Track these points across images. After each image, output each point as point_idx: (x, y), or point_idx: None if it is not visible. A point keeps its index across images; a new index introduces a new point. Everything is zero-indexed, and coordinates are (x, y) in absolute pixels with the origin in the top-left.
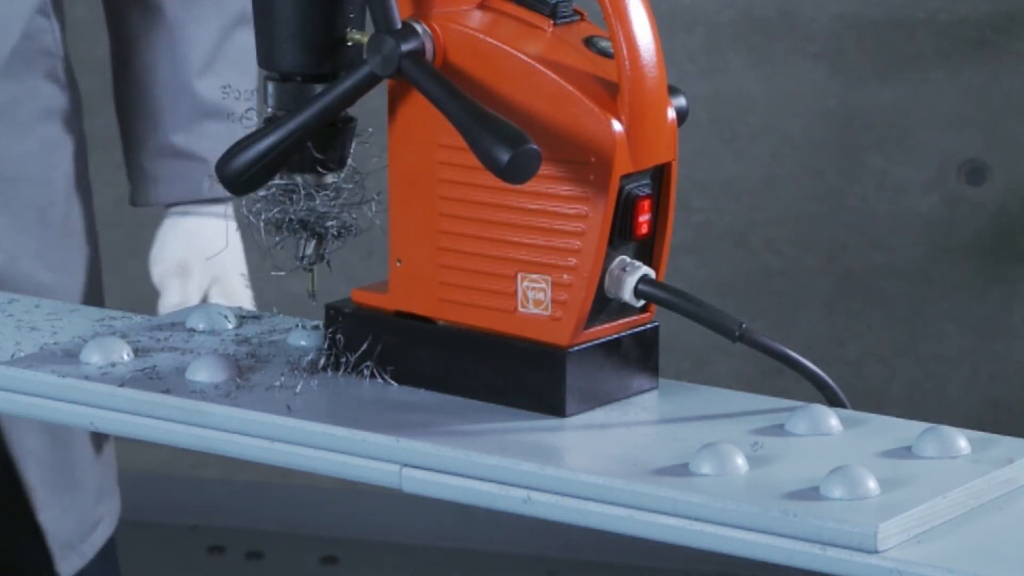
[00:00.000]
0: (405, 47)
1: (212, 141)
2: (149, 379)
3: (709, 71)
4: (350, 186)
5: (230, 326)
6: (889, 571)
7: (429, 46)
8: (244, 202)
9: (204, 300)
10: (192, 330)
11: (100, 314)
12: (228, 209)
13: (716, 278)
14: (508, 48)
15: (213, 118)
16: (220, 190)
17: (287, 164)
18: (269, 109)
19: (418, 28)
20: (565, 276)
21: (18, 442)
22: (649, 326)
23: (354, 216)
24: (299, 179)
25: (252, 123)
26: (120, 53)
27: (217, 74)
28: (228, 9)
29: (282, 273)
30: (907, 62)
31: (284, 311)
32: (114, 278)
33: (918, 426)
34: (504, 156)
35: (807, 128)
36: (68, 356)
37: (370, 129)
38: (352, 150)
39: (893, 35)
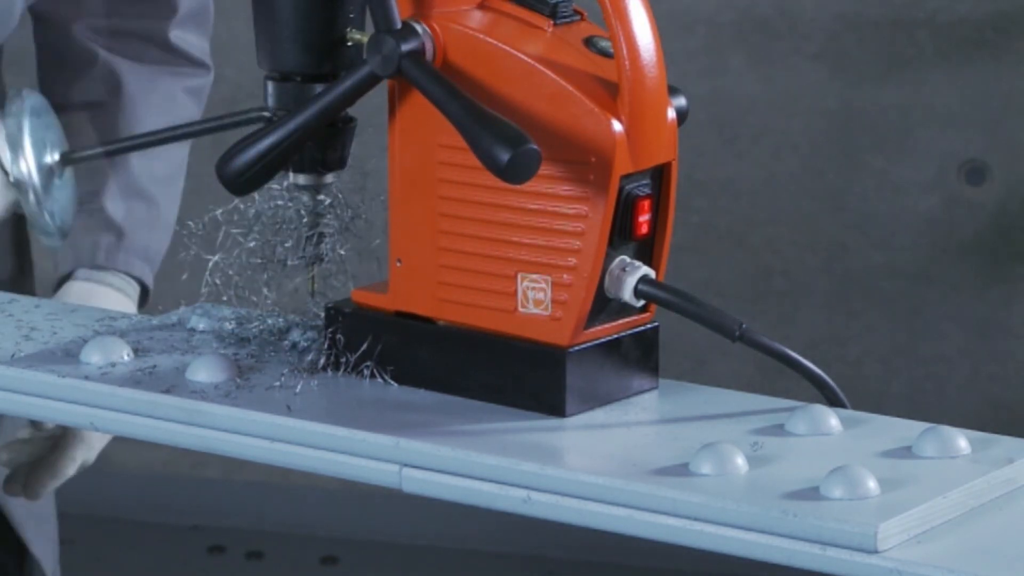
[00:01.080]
0: (405, 47)
1: (135, 219)
2: (149, 379)
3: (709, 71)
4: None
5: (230, 326)
6: (889, 571)
7: (429, 46)
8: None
9: None
10: (192, 330)
11: (100, 314)
12: (125, 281)
13: (716, 278)
14: (508, 48)
15: (139, 198)
16: (132, 266)
17: (287, 164)
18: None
19: (418, 28)
20: (565, 276)
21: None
22: (649, 326)
23: (354, 216)
24: (300, 179)
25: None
26: (61, 117)
27: (151, 164)
28: (178, 112)
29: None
30: (907, 62)
31: (284, 311)
32: None
33: (918, 426)
34: (504, 156)
35: (807, 128)
36: (68, 356)
37: (370, 128)
38: (352, 150)
39: (893, 35)
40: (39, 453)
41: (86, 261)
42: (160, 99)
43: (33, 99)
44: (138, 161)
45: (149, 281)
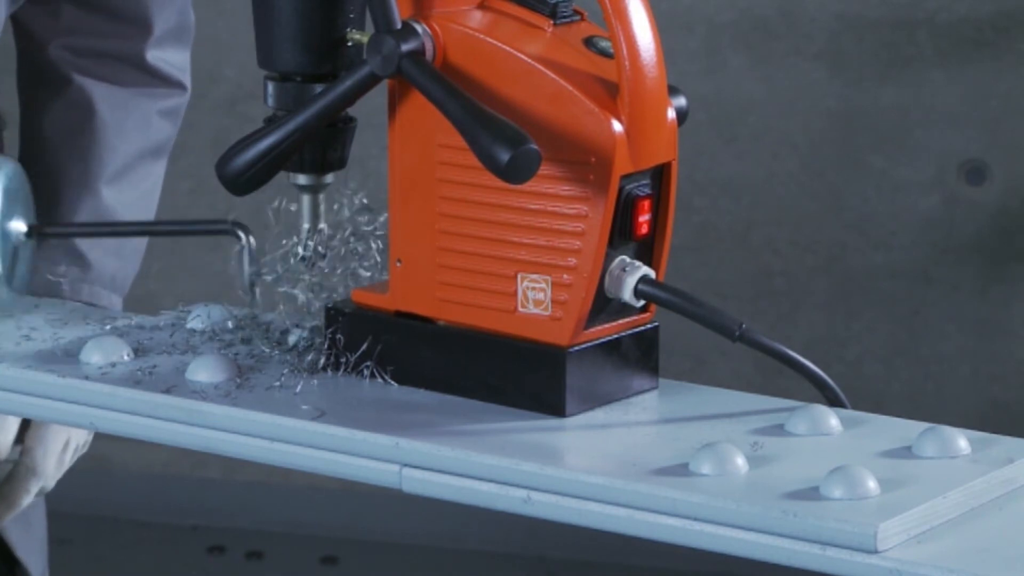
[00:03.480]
0: (405, 47)
1: (101, 249)
2: (149, 379)
3: (709, 71)
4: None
5: (230, 326)
6: (889, 571)
7: (429, 46)
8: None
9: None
10: (192, 330)
11: (100, 314)
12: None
13: (716, 278)
14: (508, 48)
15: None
16: (97, 297)
17: (287, 164)
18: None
19: (418, 28)
20: (565, 276)
21: None
22: (649, 326)
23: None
24: (300, 179)
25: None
26: (34, 140)
27: (121, 190)
28: (151, 134)
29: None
30: (907, 62)
31: (284, 311)
32: None
33: (918, 426)
34: (504, 156)
35: (807, 128)
36: (68, 356)
37: (370, 128)
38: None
39: (893, 35)
40: None
41: (51, 292)
42: (134, 123)
43: (7, 168)
44: (107, 189)
45: (115, 305)
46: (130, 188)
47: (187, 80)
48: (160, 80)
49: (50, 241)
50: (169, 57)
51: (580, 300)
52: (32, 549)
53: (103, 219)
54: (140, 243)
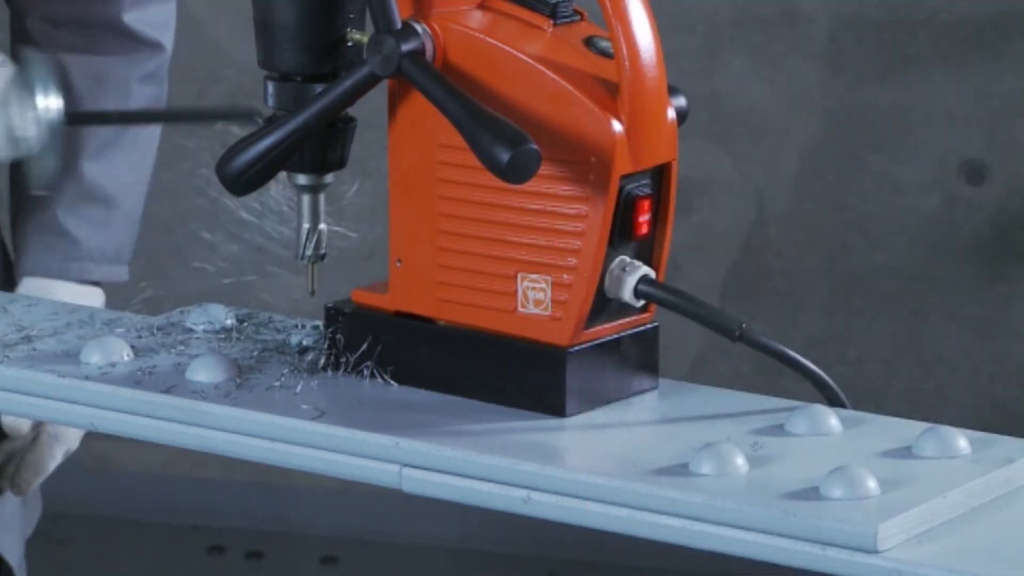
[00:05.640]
0: (405, 47)
1: (90, 225)
2: (149, 379)
3: (709, 71)
4: None
5: (230, 325)
6: (889, 571)
7: (429, 46)
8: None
9: None
10: (192, 330)
11: (100, 314)
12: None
13: (716, 278)
14: (508, 48)
15: (94, 202)
16: (88, 273)
17: (287, 164)
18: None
19: (418, 28)
20: (565, 276)
21: None
22: (649, 326)
23: None
24: (300, 179)
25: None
26: None
27: (109, 163)
28: (132, 103)
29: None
30: (907, 62)
31: (284, 311)
32: None
33: (918, 426)
34: (504, 156)
35: (807, 128)
36: (68, 356)
37: (370, 128)
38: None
39: (893, 35)
40: (20, 450)
41: (39, 272)
42: (112, 93)
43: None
44: (90, 164)
45: (116, 275)
46: (120, 158)
47: (167, 38)
48: (140, 43)
49: (39, 215)
50: (149, 16)
51: (580, 300)
52: (10, 543)
53: (87, 197)
54: (133, 209)
